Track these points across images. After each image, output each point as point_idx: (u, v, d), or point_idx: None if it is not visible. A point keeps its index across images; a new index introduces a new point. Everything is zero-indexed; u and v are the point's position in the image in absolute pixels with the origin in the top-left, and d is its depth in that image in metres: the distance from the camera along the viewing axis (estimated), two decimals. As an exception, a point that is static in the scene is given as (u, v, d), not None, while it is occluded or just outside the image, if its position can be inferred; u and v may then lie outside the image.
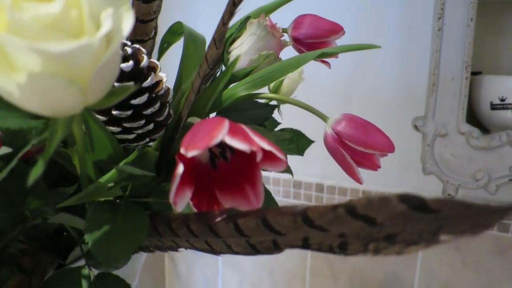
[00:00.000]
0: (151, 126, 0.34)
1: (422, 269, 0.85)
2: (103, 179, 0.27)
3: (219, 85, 0.32)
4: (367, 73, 0.80)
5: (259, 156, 0.23)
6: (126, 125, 0.33)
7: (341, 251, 0.18)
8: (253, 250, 0.23)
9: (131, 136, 0.34)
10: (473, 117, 0.68)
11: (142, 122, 0.32)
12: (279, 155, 0.24)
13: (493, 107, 0.63)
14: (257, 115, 0.45)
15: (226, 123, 0.23)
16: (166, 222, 0.27)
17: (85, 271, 0.31)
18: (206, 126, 0.23)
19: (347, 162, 0.34)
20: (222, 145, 0.26)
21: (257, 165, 0.26)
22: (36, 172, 0.18)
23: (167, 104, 0.35)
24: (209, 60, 0.30)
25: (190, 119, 0.33)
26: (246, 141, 0.22)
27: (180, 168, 0.22)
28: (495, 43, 0.66)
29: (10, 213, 0.26)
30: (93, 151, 0.30)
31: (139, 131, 0.34)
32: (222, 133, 0.22)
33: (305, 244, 0.20)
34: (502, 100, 0.62)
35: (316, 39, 0.39)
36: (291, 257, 0.98)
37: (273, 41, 0.38)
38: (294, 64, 0.35)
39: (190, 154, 0.22)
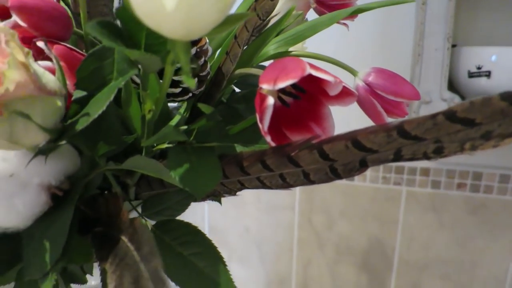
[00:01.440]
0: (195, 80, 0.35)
1: (403, 232, 0.93)
2: (172, 122, 0.29)
3: (268, 37, 0.34)
4: (352, 44, 0.84)
5: (336, 89, 0.26)
6: (175, 78, 0.34)
7: (437, 155, 0.22)
8: (334, 175, 0.26)
9: (177, 90, 0.35)
10: (452, 87, 0.75)
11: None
12: (351, 89, 0.27)
13: (471, 75, 0.70)
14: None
15: (304, 61, 0.25)
16: (235, 162, 0.29)
17: (142, 221, 0.32)
18: (288, 62, 0.25)
19: (377, 112, 0.38)
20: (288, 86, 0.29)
21: (323, 103, 0.29)
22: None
23: (207, 60, 0.36)
24: (261, 12, 0.32)
25: (239, 71, 0.34)
26: (328, 74, 0.25)
27: (271, 100, 0.25)
28: (471, 16, 0.74)
29: (85, 159, 0.27)
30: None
31: (185, 85, 0.35)
32: (308, 67, 0.24)
33: (397, 157, 0.23)
34: (479, 68, 0.69)
35: (340, 1, 0.42)
36: (278, 230, 1.01)
37: (301, 2, 0.40)
38: (327, 22, 0.38)
39: (281, 85, 0.24)
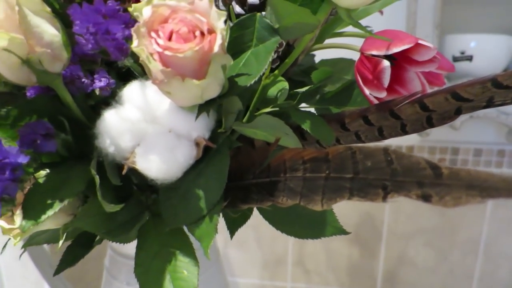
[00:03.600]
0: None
1: (391, 206, 1.03)
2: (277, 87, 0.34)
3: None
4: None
5: (429, 55, 0.32)
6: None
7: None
8: (428, 125, 0.33)
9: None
10: (437, 70, 0.86)
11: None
12: (429, 44, 0.33)
13: (455, 59, 0.82)
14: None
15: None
16: (336, 120, 0.35)
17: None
18: (397, 33, 0.32)
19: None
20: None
21: (407, 69, 0.35)
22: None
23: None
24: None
25: (316, 46, 0.40)
26: (427, 42, 0.31)
27: (386, 62, 0.31)
28: (456, 7, 0.85)
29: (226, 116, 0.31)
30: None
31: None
32: (414, 37, 0.31)
33: (489, 104, 0.30)
34: (462, 53, 0.80)
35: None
36: (275, 213, 1.08)
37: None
38: (379, 6, 0.44)
39: (396, 50, 0.30)
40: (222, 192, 0.29)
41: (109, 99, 0.31)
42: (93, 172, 0.25)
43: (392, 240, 1.05)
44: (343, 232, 0.37)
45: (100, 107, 0.31)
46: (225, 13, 0.23)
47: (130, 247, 0.48)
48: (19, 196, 0.30)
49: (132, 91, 0.30)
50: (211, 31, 0.23)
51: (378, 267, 1.08)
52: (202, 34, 0.23)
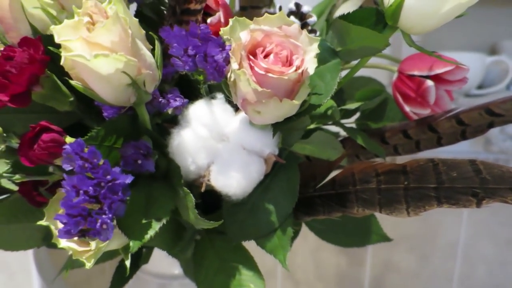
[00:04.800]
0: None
1: (376, 215, 1.08)
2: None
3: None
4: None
5: (461, 75, 0.36)
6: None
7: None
8: (462, 138, 0.36)
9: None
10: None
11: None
12: (465, 66, 0.37)
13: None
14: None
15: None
16: (377, 134, 0.38)
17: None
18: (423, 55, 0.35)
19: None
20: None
21: (438, 87, 0.39)
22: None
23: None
24: None
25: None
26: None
27: (430, 82, 0.34)
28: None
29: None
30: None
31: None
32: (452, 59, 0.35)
33: (519, 118, 0.34)
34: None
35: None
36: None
37: None
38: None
39: (439, 71, 0.34)
40: (294, 205, 0.31)
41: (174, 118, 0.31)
42: (186, 190, 0.26)
43: (378, 247, 1.10)
44: (387, 239, 0.39)
45: (163, 126, 0.32)
46: (318, 38, 0.25)
47: (155, 265, 0.47)
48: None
49: (199, 109, 0.31)
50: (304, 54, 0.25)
51: (365, 274, 1.13)
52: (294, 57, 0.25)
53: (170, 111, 0.30)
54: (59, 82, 0.29)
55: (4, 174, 0.29)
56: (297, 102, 0.25)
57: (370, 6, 0.29)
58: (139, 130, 0.29)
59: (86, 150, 0.22)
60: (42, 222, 0.30)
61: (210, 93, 0.32)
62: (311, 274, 1.13)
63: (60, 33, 0.22)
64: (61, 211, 0.28)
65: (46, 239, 0.38)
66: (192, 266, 0.40)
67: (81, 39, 0.21)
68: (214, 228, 0.33)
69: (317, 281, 1.15)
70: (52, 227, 0.30)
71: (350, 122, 0.39)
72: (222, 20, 0.33)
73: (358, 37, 0.28)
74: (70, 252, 0.31)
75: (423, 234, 1.09)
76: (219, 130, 0.32)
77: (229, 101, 0.32)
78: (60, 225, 0.29)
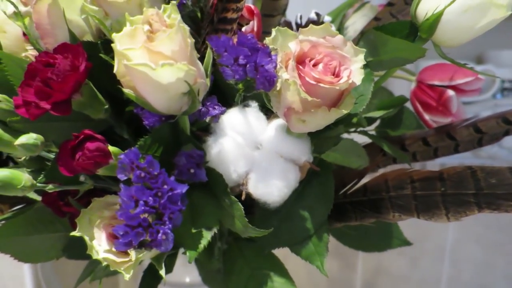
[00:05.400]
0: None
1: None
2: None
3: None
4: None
5: (477, 86, 0.38)
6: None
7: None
8: (478, 145, 0.38)
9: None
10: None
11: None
12: (483, 78, 0.39)
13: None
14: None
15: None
16: (397, 141, 0.39)
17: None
18: (455, 67, 0.37)
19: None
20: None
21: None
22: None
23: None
24: None
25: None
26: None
27: (451, 92, 0.36)
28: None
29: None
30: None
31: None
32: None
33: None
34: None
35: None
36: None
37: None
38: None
39: (460, 81, 0.35)
40: (329, 212, 0.31)
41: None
42: (233, 199, 0.26)
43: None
44: (407, 243, 0.40)
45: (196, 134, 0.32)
46: (363, 50, 0.26)
47: (177, 275, 0.47)
48: (130, 227, 0.29)
49: (233, 118, 0.31)
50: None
51: (356, 279, 1.14)
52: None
53: (207, 119, 0.30)
54: (95, 90, 0.29)
55: (38, 184, 0.28)
56: (345, 111, 0.26)
57: (404, 19, 0.31)
58: (178, 139, 0.28)
59: (142, 160, 0.22)
60: (75, 233, 0.30)
61: (243, 101, 0.33)
62: (303, 279, 1.14)
63: (120, 41, 0.21)
64: (111, 221, 0.27)
65: (66, 250, 0.37)
66: (212, 274, 0.40)
67: (144, 48, 0.21)
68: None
69: (309, 286, 1.15)
70: (86, 238, 0.30)
71: (370, 129, 0.40)
72: (255, 29, 0.33)
73: (394, 48, 0.29)
74: (105, 263, 0.30)
75: (412, 237, 1.11)
76: (253, 138, 0.32)
77: (261, 109, 0.33)
78: (100, 236, 0.29)
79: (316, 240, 0.31)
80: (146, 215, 0.21)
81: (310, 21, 0.41)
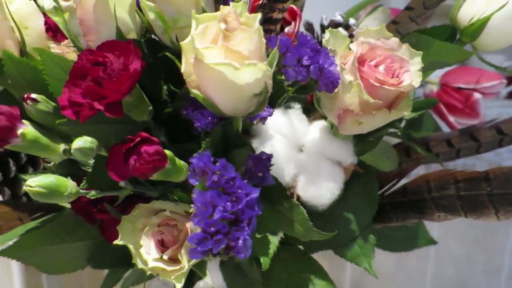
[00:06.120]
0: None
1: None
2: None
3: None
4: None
5: (498, 89, 0.40)
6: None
7: None
8: (499, 146, 0.39)
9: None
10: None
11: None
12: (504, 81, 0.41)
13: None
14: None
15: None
16: (422, 143, 0.40)
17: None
18: (481, 70, 0.38)
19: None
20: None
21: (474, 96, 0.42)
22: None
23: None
24: (427, 3, 0.41)
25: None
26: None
27: (478, 95, 0.37)
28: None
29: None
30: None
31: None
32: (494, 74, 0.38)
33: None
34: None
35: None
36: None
37: (385, 25, 0.53)
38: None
39: (486, 85, 0.37)
40: (373, 213, 0.31)
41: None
42: (294, 202, 0.26)
43: (357, 252, 1.14)
44: (433, 242, 0.41)
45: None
46: (420, 52, 0.26)
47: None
48: (179, 234, 0.28)
49: (277, 120, 0.31)
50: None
51: (345, 278, 1.16)
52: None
53: (256, 121, 0.29)
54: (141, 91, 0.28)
55: (81, 191, 0.26)
56: (406, 113, 0.26)
57: (445, 24, 0.31)
58: (228, 142, 0.28)
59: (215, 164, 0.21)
60: (118, 242, 0.28)
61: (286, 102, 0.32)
62: (293, 282, 1.14)
63: (196, 39, 0.20)
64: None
65: (92, 259, 0.35)
66: (238, 279, 0.39)
67: (223, 47, 0.20)
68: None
69: None
70: (131, 247, 0.28)
71: (395, 131, 0.41)
72: (296, 30, 0.33)
73: (438, 52, 0.30)
74: (149, 272, 0.29)
75: (398, 237, 1.15)
76: (297, 141, 0.32)
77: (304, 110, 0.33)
78: (149, 244, 0.28)
79: (362, 241, 0.31)
80: (224, 221, 0.21)
81: (335, 23, 0.41)
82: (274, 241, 0.25)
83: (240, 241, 0.20)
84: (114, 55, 0.25)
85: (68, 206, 0.31)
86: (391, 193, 0.34)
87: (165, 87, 0.31)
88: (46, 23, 0.34)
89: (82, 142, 0.24)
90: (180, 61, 0.26)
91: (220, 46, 0.20)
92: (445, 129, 0.45)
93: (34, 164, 0.35)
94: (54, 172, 0.32)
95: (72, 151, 0.24)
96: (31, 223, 0.34)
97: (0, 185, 0.34)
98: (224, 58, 0.21)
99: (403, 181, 0.34)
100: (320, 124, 0.32)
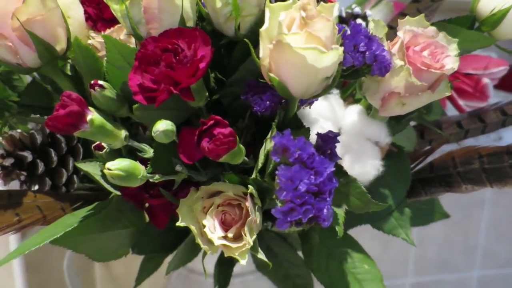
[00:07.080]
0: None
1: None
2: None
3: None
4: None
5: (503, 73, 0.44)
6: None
7: None
8: (502, 126, 0.44)
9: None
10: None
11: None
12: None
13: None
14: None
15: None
16: (435, 125, 0.44)
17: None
18: (489, 57, 0.42)
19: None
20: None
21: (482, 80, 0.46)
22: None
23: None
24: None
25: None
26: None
27: (487, 79, 0.41)
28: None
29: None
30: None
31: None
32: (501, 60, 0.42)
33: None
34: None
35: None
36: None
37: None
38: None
39: (494, 70, 0.41)
40: (408, 188, 0.35)
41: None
42: (351, 177, 0.28)
43: (344, 238, 1.19)
44: (447, 216, 0.45)
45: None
46: (456, 40, 0.30)
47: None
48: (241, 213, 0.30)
49: (319, 104, 0.34)
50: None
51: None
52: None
53: (303, 106, 0.32)
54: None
55: (148, 175, 0.27)
56: (448, 94, 0.29)
57: (465, 15, 0.35)
58: (285, 124, 0.30)
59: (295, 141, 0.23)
60: (180, 224, 0.29)
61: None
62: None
63: (282, 25, 0.22)
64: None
65: (135, 246, 0.36)
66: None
67: (307, 33, 0.22)
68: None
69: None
70: (193, 227, 0.30)
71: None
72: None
73: (464, 39, 0.33)
74: (209, 252, 0.30)
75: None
76: (337, 124, 0.34)
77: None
78: (213, 224, 0.29)
79: (398, 214, 0.34)
80: (309, 193, 0.23)
81: (354, 15, 0.44)
82: (341, 212, 0.27)
83: (325, 211, 0.23)
84: (184, 41, 0.26)
85: (117, 193, 0.32)
86: (419, 170, 0.37)
87: (212, 74, 0.33)
88: (85, 12, 0.35)
89: (165, 124, 0.25)
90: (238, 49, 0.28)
91: (305, 32, 0.22)
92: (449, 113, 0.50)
93: (74, 155, 0.35)
94: (105, 160, 0.33)
95: (154, 134, 0.25)
96: (73, 212, 0.34)
97: (42, 175, 0.34)
98: (303, 43, 0.23)
99: (429, 159, 0.38)
100: (356, 107, 0.35)
